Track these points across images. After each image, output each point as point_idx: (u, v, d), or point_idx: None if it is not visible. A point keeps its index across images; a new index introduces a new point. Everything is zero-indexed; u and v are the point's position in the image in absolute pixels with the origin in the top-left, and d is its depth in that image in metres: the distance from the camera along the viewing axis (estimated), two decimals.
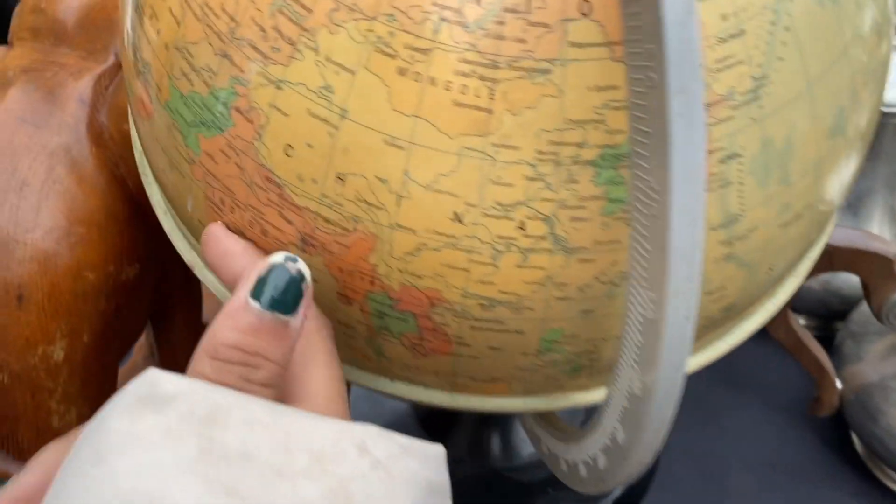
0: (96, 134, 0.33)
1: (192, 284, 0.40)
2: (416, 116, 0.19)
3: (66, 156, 0.32)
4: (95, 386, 0.34)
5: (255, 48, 0.20)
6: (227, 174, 0.22)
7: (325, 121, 0.20)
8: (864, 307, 0.45)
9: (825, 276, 0.48)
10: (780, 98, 0.20)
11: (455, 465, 0.39)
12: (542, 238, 0.20)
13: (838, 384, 0.42)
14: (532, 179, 0.19)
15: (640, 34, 0.16)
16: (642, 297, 0.19)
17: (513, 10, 0.18)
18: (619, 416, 0.22)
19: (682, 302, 0.18)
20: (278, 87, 0.20)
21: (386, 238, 0.21)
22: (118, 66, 0.34)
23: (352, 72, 0.19)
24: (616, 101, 0.19)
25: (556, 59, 0.18)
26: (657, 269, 0.18)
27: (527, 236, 0.20)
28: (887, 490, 0.43)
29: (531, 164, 0.19)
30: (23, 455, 0.34)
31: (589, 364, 0.24)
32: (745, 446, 0.46)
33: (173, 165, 0.24)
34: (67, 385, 0.32)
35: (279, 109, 0.20)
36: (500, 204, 0.19)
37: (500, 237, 0.20)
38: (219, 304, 0.23)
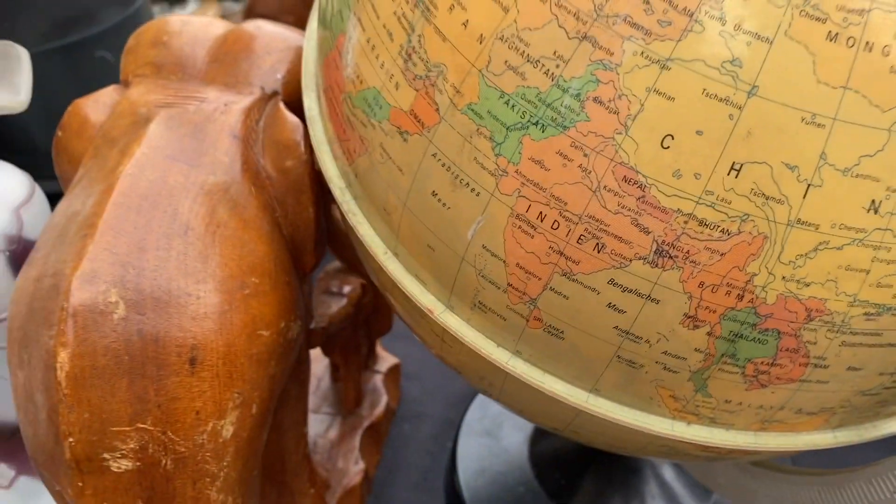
0: (253, 173, 0.28)
1: (304, 365, 0.36)
2: (846, 88, 0.16)
3: (226, 196, 0.27)
4: (251, 471, 0.29)
5: (634, 24, 0.17)
6: (560, 181, 0.19)
7: (725, 100, 0.17)
8: None
9: None
10: None
11: None
12: None
13: None
14: None
15: None
16: None
17: None
18: None
19: None
20: (664, 67, 0.17)
21: (778, 239, 0.18)
22: (265, 99, 0.30)
23: (768, 41, 0.16)
24: None
25: None
26: None
27: None
28: None
29: None
30: None
31: None
32: None
33: (460, 184, 0.20)
34: (230, 469, 0.27)
35: (662, 93, 0.17)
36: None
37: None
38: None
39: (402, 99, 0.21)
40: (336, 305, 0.40)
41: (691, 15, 0.17)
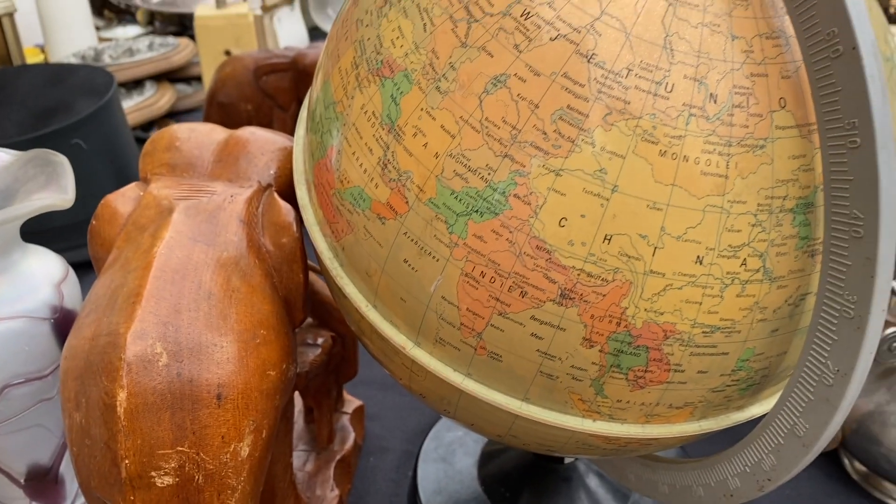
0: (256, 248, 0.36)
1: (290, 405, 0.43)
2: (673, 185, 0.26)
3: (237, 268, 0.35)
4: (259, 486, 0.36)
5: (538, 147, 0.26)
6: (494, 250, 0.27)
7: (598, 195, 0.26)
8: None
9: None
10: None
11: None
12: (757, 271, 0.27)
13: None
14: (754, 225, 0.26)
15: (842, 113, 0.24)
16: (842, 302, 0.26)
17: (738, 106, 0.26)
18: (801, 411, 0.29)
19: (881, 300, 0.25)
20: (558, 174, 0.26)
21: (639, 284, 0.27)
22: (262, 190, 0.38)
23: (622, 156, 0.26)
24: (805, 165, 0.26)
25: (768, 137, 0.26)
26: (861, 276, 0.25)
27: (746, 270, 0.27)
28: (880, 502, 0.52)
29: (754, 214, 0.26)
30: None
31: (759, 382, 0.31)
32: None
33: (424, 253, 0.29)
34: (246, 482, 0.34)
35: (557, 191, 0.26)
36: (730, 246, 0.26)
37: (728, 273, 0.27)
38: None
39: (380, 194, 0.30)
40: (312, 354, 0.47)
41: (573, 141, 0.26)
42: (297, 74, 0.79)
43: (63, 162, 0.37)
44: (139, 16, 1.48)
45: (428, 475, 0.51)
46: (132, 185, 0.39)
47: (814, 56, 0.25)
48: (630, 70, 0.25)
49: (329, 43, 0.34)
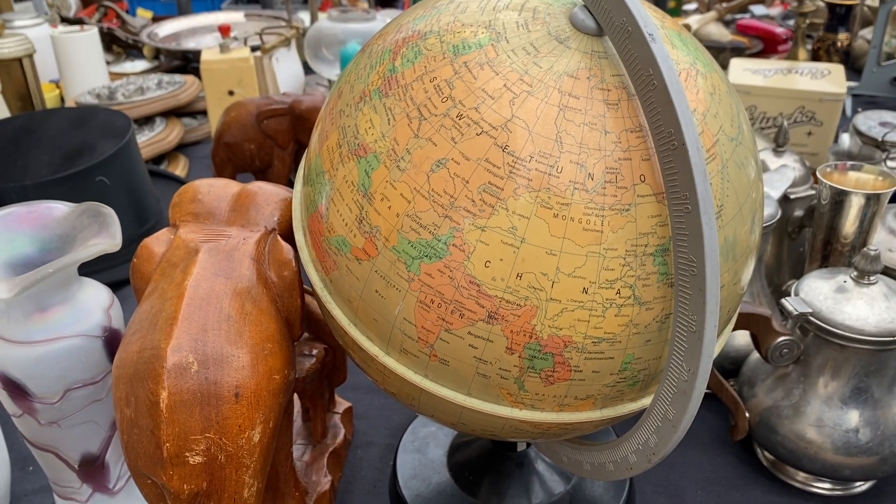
0: (264, 280, 0.47)
1: (291, 404, 0.53)
2: (564, 238, 0.36)
3: (249, 296, 0.45)
4: (266, 466, 0.46)
5: (468, 211, 0.36)
6: (440, 283, 0.38)
7: (511, 245, 0.36)
8: (749, 363, 0.65)
9: None
10: (728, 216, 0.39)
11: None
12: (629, 297, 0.37)
13: (747, 414, 0.61)
14: (623, 266, 0.37)
15: (679, 188, 0.35)
16: (687, 320, 0.36)
17: (609, 181, 0.36)
18: (670, 400, 0.39)
19: (712, 319, 0.36)
20: (483, 230, 0.36)
21: (543, 307, 0.37)
22: (267, 233, 0.48)
23: (527, 218, 0.36)
24: (661, 222, 0.37)
25: (632, 203, 0.36)
26: (698, 302, 0.36)
27: (621, 297, 0.37)
28: (785, 484, 0.62)
29: (623, 258, 0.37)
30: None
31: (643, 379, 0.41)
32: (692, 471, 0.64)
33: (390, 285, 0.39)
34: (257, 462, 0.44)
35: (483, 242, 0.36)
36: (607, 280, 0.37)
37: (607, 300, 0.37)
38: None
39: (357, 242, 0.40)
40: (308, 362, 0.58)
41: (493, 207, 0.36)
42: (294, 118, 0.90)
43: (111, 213, 0.47)
44: (146, 51, 1.59)
45: (405, 464, 0.61)
46: (164, 230, 0.49)
47: (660, 147, 0.35)
48: (532, 157, 0.36)
49: (319, 124, 0.45)
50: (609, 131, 0.36)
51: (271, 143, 0.91)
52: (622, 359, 0.39)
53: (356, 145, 0.40)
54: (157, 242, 0.48)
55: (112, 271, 0.86)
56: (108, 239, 0.45)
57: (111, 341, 0.48)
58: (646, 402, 0.43)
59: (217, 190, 0.50)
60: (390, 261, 0.39)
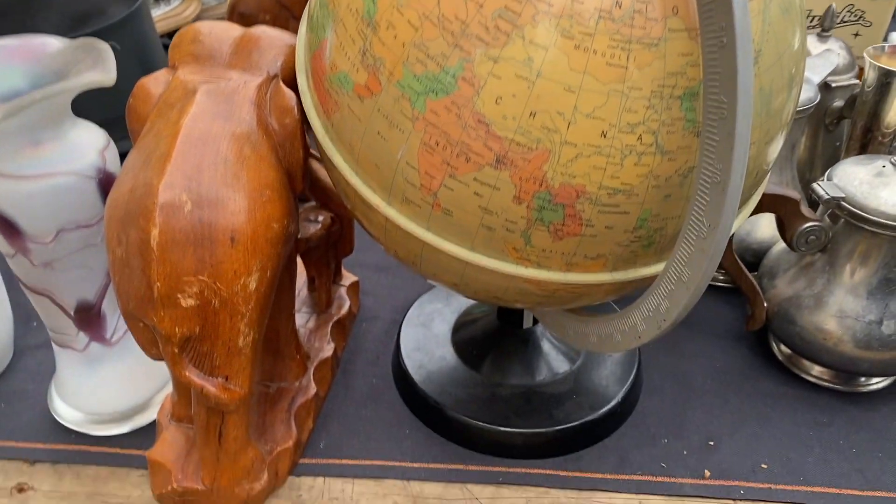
0: (265, 126, 0.44)
1: (293, 264, 0.51)
2: (584, 72, 0.33)
3: (248, 140, 0.43)
4: (263, 317, 0.44)
5: (480, 39, 0.33)
6: (446, 122, 0.35)
7: (525, 79, 0.33)
8: (772, 254, 0.62)
9: (740, 236, 0.66)
10: (766, 63, 0.36)
11: (496, 388, 0.54)
12: (651, 145, 0.34)
13: (765, 304, 0.59)
14: (648, 108, 0.34)
15: (715, 19, 0.31)
16: (712, 170, 0.34)
17: (638, 11, 0.33)
18: (686, 261, 0.37)
19: (739, 167, 0.33)
20: (496, 62, 0.33)
21: (556, 152, 0.34)
22: (270, 79, 0.46)
23: (546, 48, 0.33)
24: (692, 62, 0.33)
25: (661, 37, 0.33)
26: (725, 149, 0.33)
27: (642, 144, 0.34)
28: (799, 378, 0.60)
29: (648, 99, 0.33)
30: (214, 371, 0.43)
31: (658, 241, 0.38)
32: (702, 361, 0.62)
33: (393, 125, 0.36)
34: (253, 311, 0.43)
35: (495, 75, 0.33)
36: (629, 124, 0.34)
37: (627, 146, 0.34)
38: None
39: (360, 77, 0.37)
40: (313, 228, 0.56)
41: (508, 35, 0.33)
42: None
43: (106, 48, 0.45)
44: None
45: (409, 336, 0.60)
46: (162, 70, 0.47)
47: None
48: None
49: None
50: None
51: (287, 14, 0.87)
52: (638, 214, 0.37)
53: None
54: (154, 83, 0.46)
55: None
56: (103, 73, 0.43)
57: (105, 184, 0.46)
58: (659, 267, 0.41)
59: (219, 32, 0.47)
60: (394, 97, 0.36)
